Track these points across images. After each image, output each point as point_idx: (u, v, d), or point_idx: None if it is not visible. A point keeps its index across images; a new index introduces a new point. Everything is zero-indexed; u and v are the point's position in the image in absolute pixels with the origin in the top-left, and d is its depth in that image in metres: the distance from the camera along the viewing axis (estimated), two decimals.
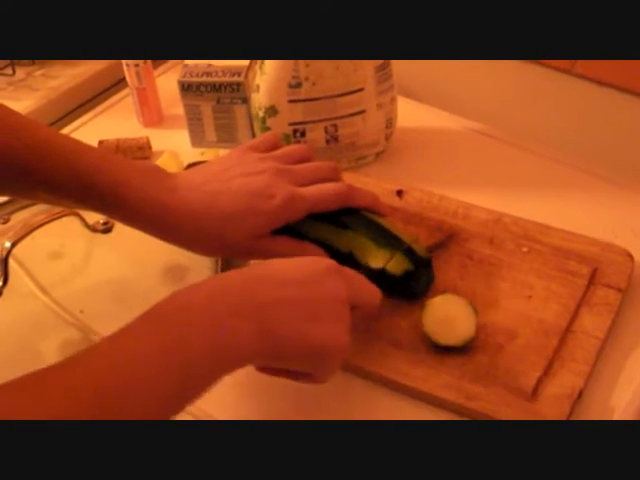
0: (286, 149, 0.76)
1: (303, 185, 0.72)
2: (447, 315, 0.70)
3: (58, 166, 0.68)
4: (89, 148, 0.71)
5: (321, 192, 0.72)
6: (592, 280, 0.75)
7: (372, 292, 0.66)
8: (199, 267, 0.80)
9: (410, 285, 0.73)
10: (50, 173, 0.68)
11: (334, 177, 0.75)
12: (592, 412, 0.67)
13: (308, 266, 0.63)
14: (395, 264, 0.71)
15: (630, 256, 0.77)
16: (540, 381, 0.67)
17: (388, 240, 0.72)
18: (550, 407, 0.65)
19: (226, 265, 0.78)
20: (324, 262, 0.64)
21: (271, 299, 0.59)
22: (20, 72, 1.16)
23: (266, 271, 0.62)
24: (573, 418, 0.66)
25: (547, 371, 0.68)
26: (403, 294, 0.74)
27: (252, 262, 0.74)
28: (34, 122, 0.72)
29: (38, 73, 1.16)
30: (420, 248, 0.73)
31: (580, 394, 0.67)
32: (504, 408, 0.65)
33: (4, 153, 0.68)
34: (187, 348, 0.54)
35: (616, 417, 0.67)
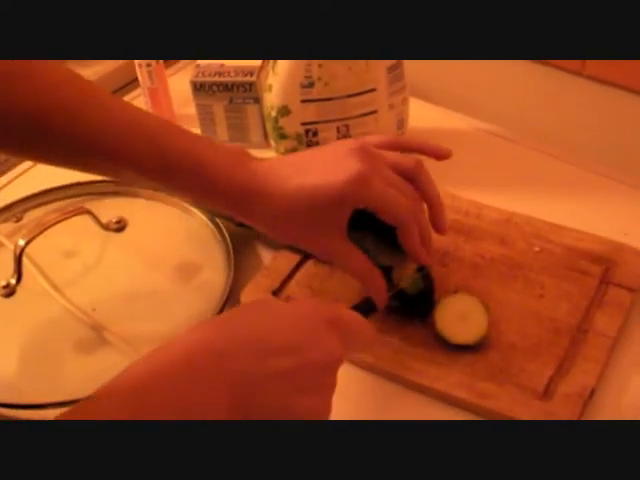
0: (395, 156, 0.72)
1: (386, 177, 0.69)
2: (460, 314, 0.70)
3: (144, 149, 0.70)
4: (175, 129, 0.72)
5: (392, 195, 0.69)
6: (604, 279, 0.76)
7: (366, 334, 0.60)
8: (212, 266, 0.80)
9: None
10: (135, 155, 0.69)
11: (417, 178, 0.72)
12: (604, 411, 0.67)
13: (301, 324, 0.55)
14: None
15: None
16: (552, 380, 0.68)
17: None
18: (562, 406, 0.65)
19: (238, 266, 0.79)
20: (318, 315, 0.56)
21: (251, 373, 0.51)
22: None
23: (249, 333, 0.53)
24: (585, 417, 0.66)
25: (559, 370, 0.68)
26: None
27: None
28: (121, 101, 0.74)
29: None
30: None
31: (592, 393, 0.67)
32: (516, 407, 0.66)
33: (93, 138, 0.69)
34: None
35: (628, 417, 0.67)
